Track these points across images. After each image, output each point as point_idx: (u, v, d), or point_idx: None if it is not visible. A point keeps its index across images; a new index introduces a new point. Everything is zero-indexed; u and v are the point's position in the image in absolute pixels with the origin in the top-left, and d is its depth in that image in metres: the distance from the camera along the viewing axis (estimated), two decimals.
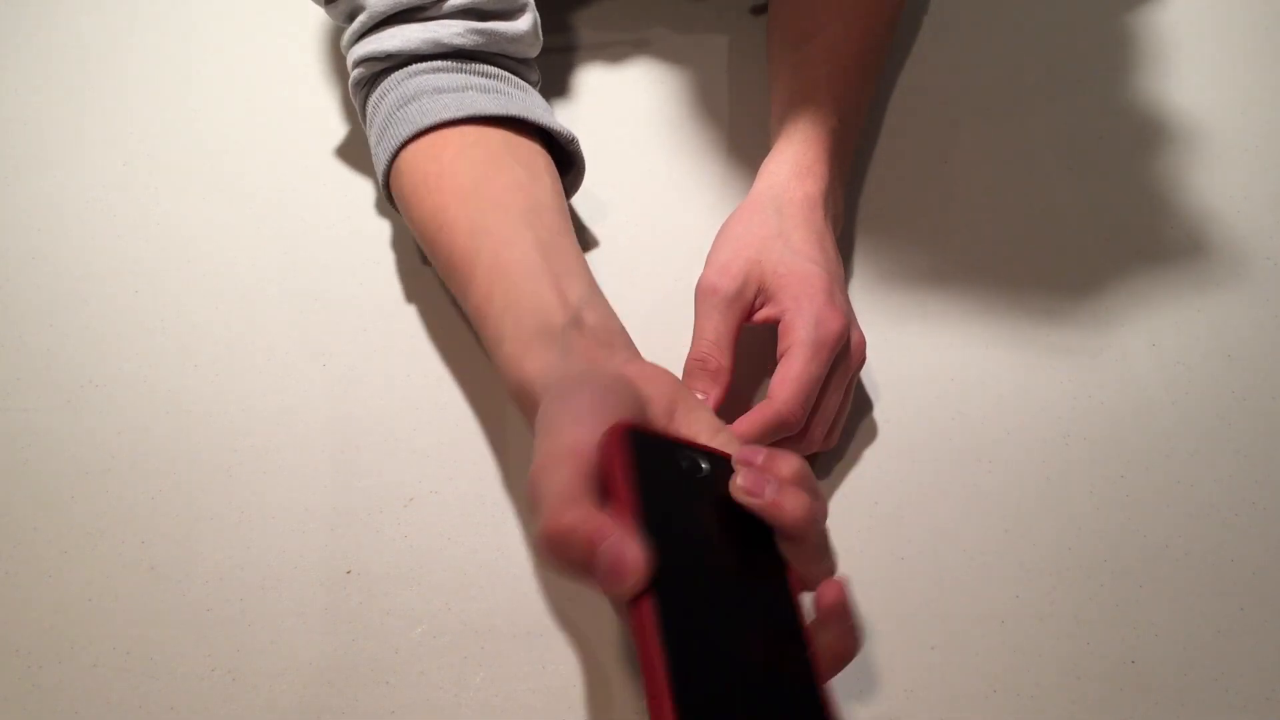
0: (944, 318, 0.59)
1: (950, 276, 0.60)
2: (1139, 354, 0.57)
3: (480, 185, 0.51)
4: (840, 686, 0.47)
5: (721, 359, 0.49)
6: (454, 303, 0.60)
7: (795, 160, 0.55)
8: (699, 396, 0.47)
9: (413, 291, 0.61)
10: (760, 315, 0.51)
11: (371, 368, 0.57)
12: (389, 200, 0.56)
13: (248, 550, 0.51)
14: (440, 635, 0.49)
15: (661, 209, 0.64)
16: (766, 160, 0.56)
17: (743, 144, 0.67)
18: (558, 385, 0.40)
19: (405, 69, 0.54)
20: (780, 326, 0.49)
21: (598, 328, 0.45)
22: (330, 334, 0.59)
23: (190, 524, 0.52)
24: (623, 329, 0.46)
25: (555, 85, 0.70)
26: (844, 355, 0.49)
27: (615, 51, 0.72)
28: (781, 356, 0.48)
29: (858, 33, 0.61)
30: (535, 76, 0.59)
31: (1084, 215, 0.63)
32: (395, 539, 0.51)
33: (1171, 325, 0.58)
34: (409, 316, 0.59)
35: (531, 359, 0.43)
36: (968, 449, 0.54)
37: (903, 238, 0.62)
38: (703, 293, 0.51)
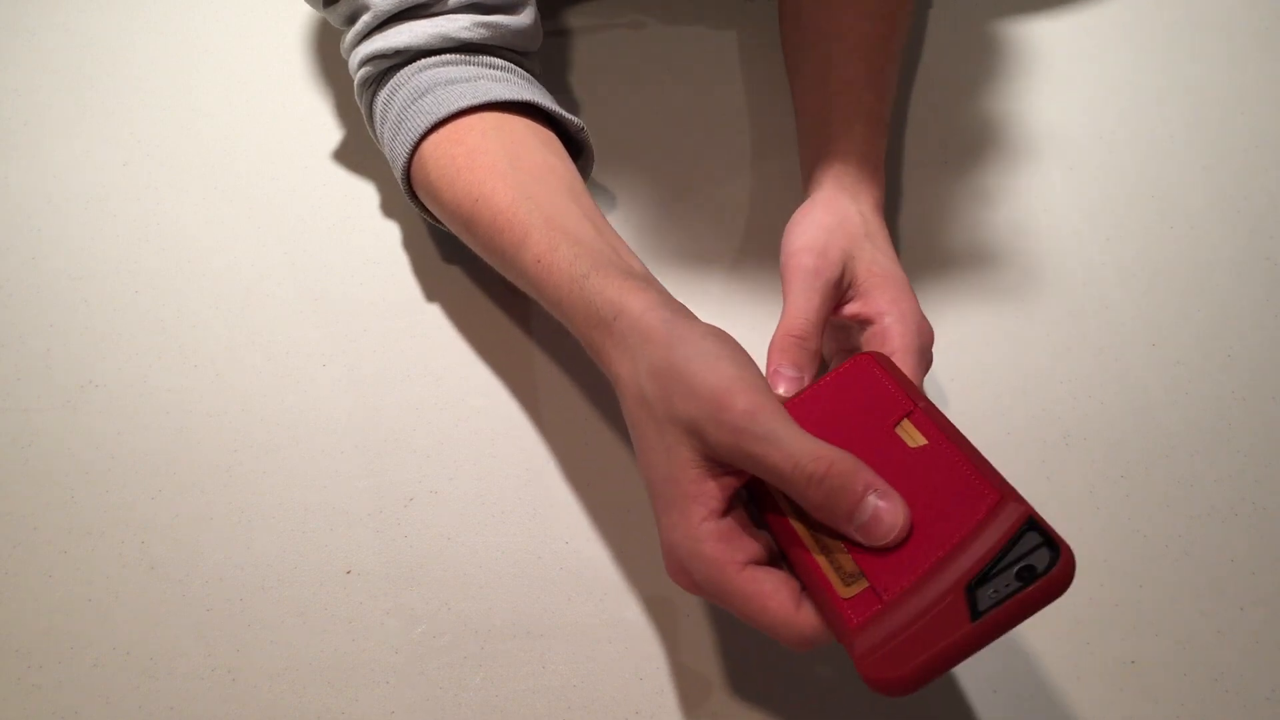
0: (944, 318, 0.59)
1: (950, 277, 0.60)
2: (1139, 354, 0.57)
3: (514, 163, 0.51)
4: (837, 688, 0.47)
5: (818, 341, 0.47)
6: (454, 303, 0.60)
7: (861, 161, 0.54)
8: (791, 373, 0.46)
9: (413, 292, 0.61)
10: (850, 310, 0.49)
11: (371, 368, 0.57)
12: (409, 193, 0.56)
13: (248, 550, 0.51)
14: (440, 635, 0.49)
15: (660, 207, 0.64)
16: (825, 157, 0.55)
17: (737, 138, 0.67)
18: (688, 327, 0.42)
19: (414, 64, 0.54)
20: (875, 329, 0.48)
21: (667, 295, 0.46)
22: (330, 334, 0.59)
23: (190, 524, 0.52)
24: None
25: (547, 80, 0.70)
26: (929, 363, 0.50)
27: (605, 40, 0.72)
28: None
29: (883, 30, 0.60)
30: (538, 69, 0.59)
31: (1084, 214, 0.63)
32: (395, 539, 0.51)
33: (1171, 325, 0.58)
34: (409, 317, 0.59)
35: (630, 289, 0.43)
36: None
37: (902, 238, 0.62)
38: (804, 273, 0.48)
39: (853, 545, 0.38)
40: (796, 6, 0.64)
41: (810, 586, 0.38)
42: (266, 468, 0.54)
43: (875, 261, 0.49)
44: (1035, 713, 0.46)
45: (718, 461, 0.39)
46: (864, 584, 0.37)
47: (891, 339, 0.47)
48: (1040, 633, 0.48)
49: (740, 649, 0.48)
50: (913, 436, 0.40)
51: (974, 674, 0.47)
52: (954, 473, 0.38)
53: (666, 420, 0.40)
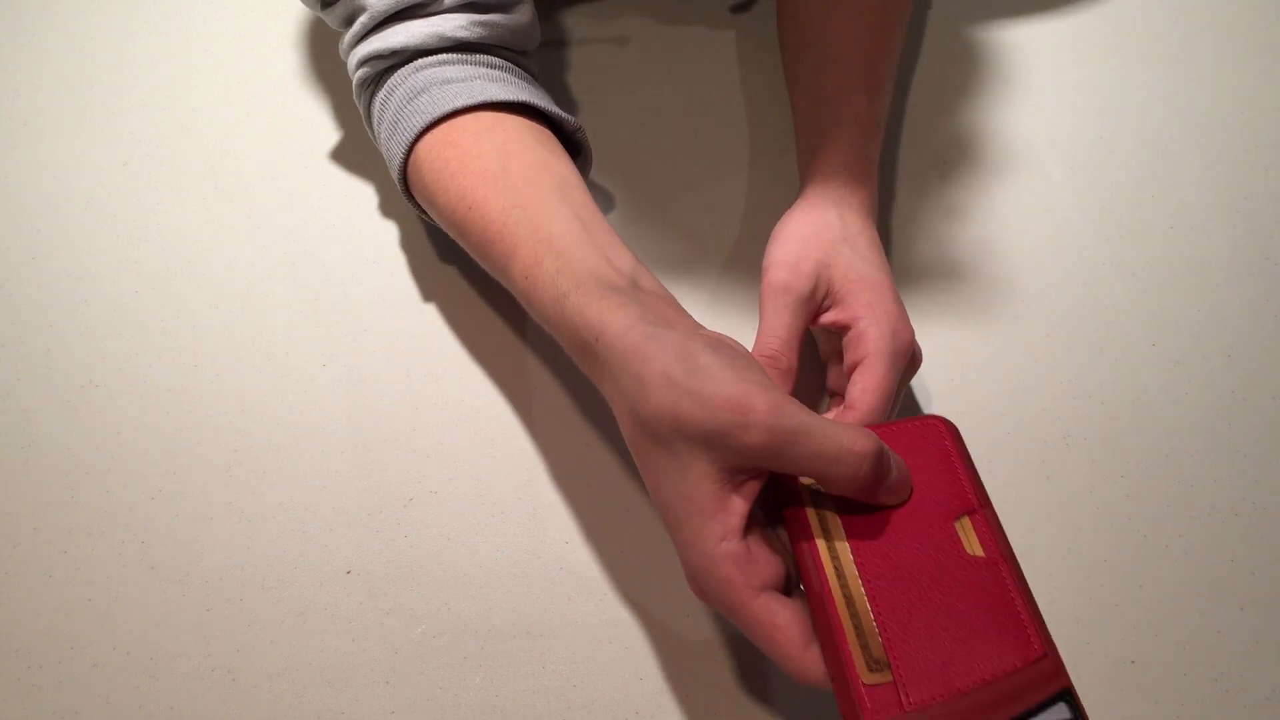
0: (944, 319, 0.59)
1: (949, 277, 0.60)
2: (1139, 354, 0.57)
3: (506, 165, 0.51)
4: None
5: (791, 359, 0.48)
6: (454, 303, 0.60)
7: (848, 165, 0.54)
8: None
9: (413, 292, 0.61)
10: (828, 319, 0.50)
11: (371, 368, 0.57)
12: (405, 194, 0.56)
13: (248, 550, 0.51)
14: (440, 635, 0.49)
15: (657, 208, 0.64)
16: (813, 160, 0.55)
17: (735, 139, 0.67)
18: (673, 339, 0.41)
19: (411, 64, 0.54)
20: (852, 334, 0.48)
21: (655, 292, 0.46)
22: (330, 334, 0.59)
23: (190, 524, 0.52)
24: (673, 297, 0.47)
25: (544, 81, 0.70)
26: (910, 365, 0.49)
27: (599, 48, 0.72)
28: (856, 365, 0.47)
29: (879, 31, 0.60)
30: (535, 69, 0.59)
31: (1084, 215, 0.63)
32: (395, 539, 0.51)
33: (1171, 325, 0.58)
34: (409, 317, 0.59)
35: (609, 309, 0.43)
36: (968, 449, 0.54)
37: (901, 239, 0.62)
38: (774, 290, 0.49)
39: (885, 628, 0.37)
40: (793, 7, 0.64)
41: (828, 647, 0.37)
42: (266, 468, 0.54)
43: (852, 267, 0.50)
44: None
45: (739, 469, 0.39)
46: (888, 677, 0.36)
47: (866, 342, 0.47)
48: None
49: (741, 649, 0.48)
50: (970, 541, 0.39)
51: None
52: (1005, 604, 0.37)
53: (675, 437, 0.39)
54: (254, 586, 0.50)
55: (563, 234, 0.47)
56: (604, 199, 0.64)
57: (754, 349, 0.49)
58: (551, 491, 0.53)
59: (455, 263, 0.61)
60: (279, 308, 0.60)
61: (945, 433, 0.43)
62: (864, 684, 0.36)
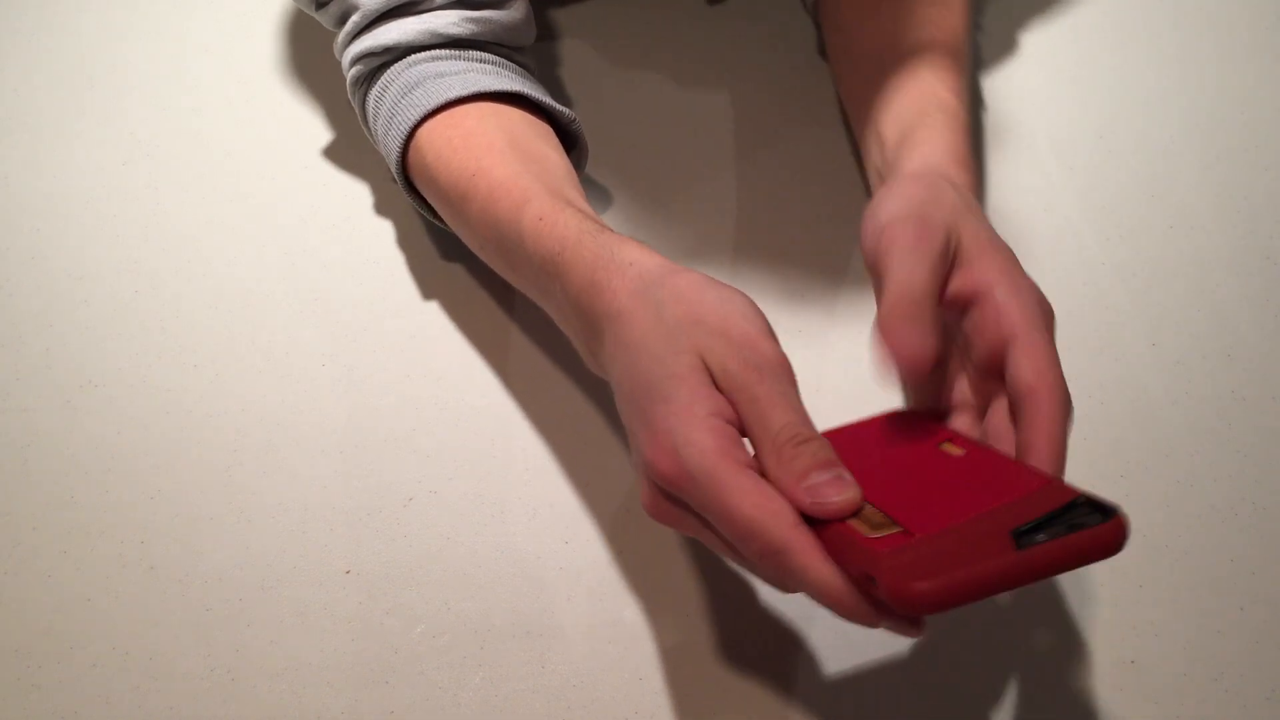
0: None
1: None
2: (1139, 354, 0.57)
3: (513, 143, 0.51)
4: (836, 685, 0.47)
5: (938, 313, 0.40)
6: (454, 302, 0.60)
7: (947, 149, 0.49)
8: (915, 342, 0.39)
9: (413, 291, 0.61)
10: (951, 287, 0.42)
11: (371, 368, 0.57)
12: (405, 185, 0.56)
13: (248, 550, 0.51)
14: (440, 635, 0.49)
15: (655, 207, 0.64)
16: (907, 142, 0.50)
17: (732, 138, 0.67)
18: (713, 279, 0.41)
19: (404, 60, 0.55)
20: (984, 308, 0.41)
21: None
22: (330, 334, 0.59)
23: (190, 524, 0.52)
24: None
25: (538, 77, 0.70)
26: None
27: (597, 39, 0.72)
28: (1008, 339, 0.40)
29: (959, 21, 0.58)
30: (532, 65, 0.60)
31: (1084, 215, 0.63)
32: (395, 539, 0.51)
33: (1171, 325, 0.58)
34: (409, 316, 0.59)
35: (646, 251, 0.43)
36: None
37: None
38: (902, 247, 0.41)
39: (885, 500, 0.37)
40: (838, 16, 0.62)
41: (829, 536, 0.36)
42: (266, 468, 0.54)
43: (981, 230, 0.43)
44: (1036, 713, 0.46)
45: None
46: (895, 528, 0.35)
47: (1009, 314, 0.40)
48: (1041, 633, 0.48)
49: (742, 648, 0.48)
50: (957, 450, 0.40)
51: (975, 674, 0.47)
52: (1002, 466, 0.38)
53: (683, 336, 0.39)
54: (254, 586, 0.50)
55: (578, 200, 0.48)
56: (599, 195, 0.64)
57: (887, 303, 0.40)
58: (551, 491, 0.53)
59: (456, 261, 0.61)
60: (279, 308, 0.60)
61: (904, 410, 0.45)
62: (870, 538, 0.35)
